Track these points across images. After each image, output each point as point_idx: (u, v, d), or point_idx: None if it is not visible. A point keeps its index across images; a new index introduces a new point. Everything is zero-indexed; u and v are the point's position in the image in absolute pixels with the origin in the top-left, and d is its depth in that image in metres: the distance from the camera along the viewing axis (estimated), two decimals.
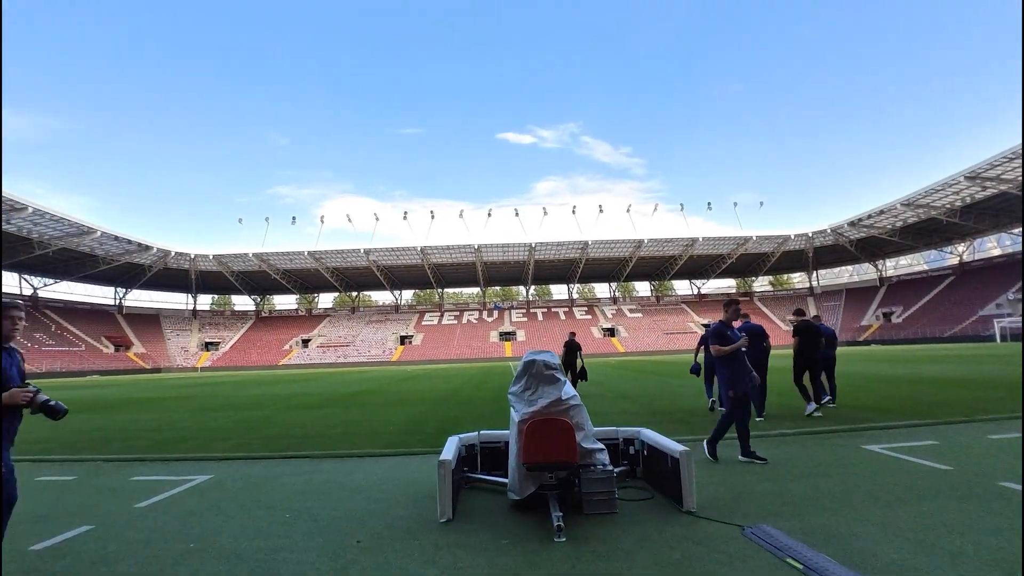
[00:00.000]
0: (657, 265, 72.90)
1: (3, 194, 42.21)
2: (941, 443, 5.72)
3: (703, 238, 64.53)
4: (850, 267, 76.60)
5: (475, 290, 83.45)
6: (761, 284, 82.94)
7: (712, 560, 2.93)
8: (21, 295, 58.61)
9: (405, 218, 69.39)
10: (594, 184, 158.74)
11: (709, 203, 66.35)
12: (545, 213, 66.34)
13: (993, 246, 61.23)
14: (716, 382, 9.29)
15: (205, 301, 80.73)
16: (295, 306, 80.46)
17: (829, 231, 63.78)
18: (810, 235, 65.36)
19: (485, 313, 74.77)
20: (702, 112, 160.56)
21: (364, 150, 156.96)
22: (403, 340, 66.55)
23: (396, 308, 77.75)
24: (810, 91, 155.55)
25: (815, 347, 8.33)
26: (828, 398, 8.74)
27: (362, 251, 63.48)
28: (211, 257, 64.04)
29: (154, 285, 70.39)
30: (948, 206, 51.58)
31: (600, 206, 65.49)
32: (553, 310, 75.20)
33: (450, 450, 4.12)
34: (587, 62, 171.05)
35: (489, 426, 6.74)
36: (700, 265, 73.12)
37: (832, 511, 3.66)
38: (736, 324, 6.12)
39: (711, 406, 9.28)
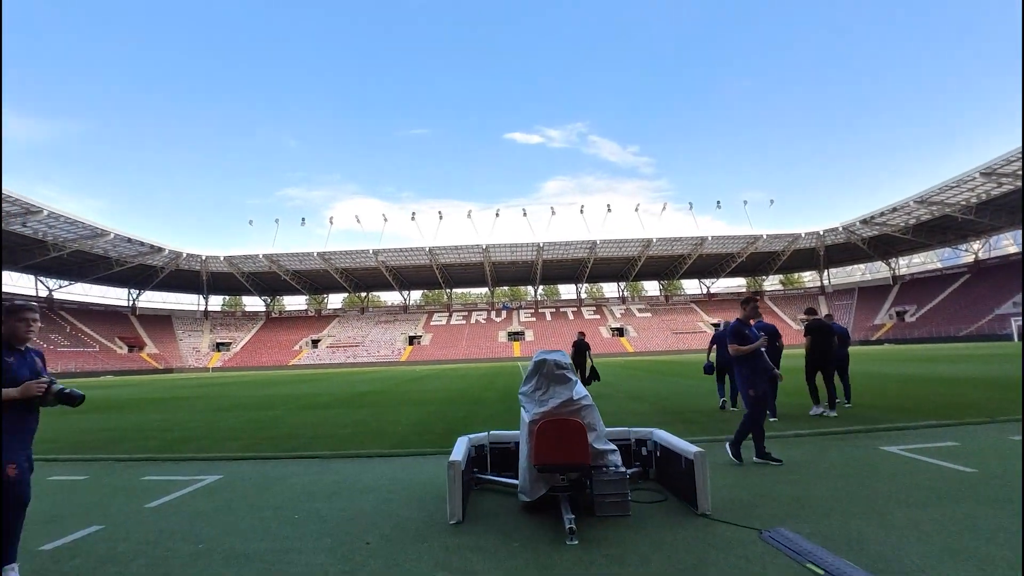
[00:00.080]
0: (666, 264, 72.48)
1: (19, 198, 42.91)
2: (962, 444, 5.58)
3: (712, 237, 64.06)
4: (862, 265, 75.64)
5: (483, 290, 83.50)
6: (771, 283, 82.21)
7: (729, 564, 2.85)
8: (37, 297, 59.53)
9: (413, 219, 69.87)
10: (602, 183, 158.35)
11: (718, 201, 66.48)
12: (553, 213, 66.31)
13: (1010, 243, 60.12)
14: (727, 382, 9.25)
15: (216, 302, 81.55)
16: (305, 307, 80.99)
17: (841, 229, 63.06)
18: (821, 233, 64.66)
19: (493, 313, 74.78)
20: (711, 109, 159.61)
21: (372, 152, 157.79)
22: (412, 340, 66.73)
23: (405, 308, 77.99)
24: (821, 87, 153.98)
25: (828, 346, 8.19)
26: (841, 401, 8.60)
27: (371, 252, 63.74)
28: (222, 258, 64.65)
29: (166, 286, 71.21)
30: (963, 203, 50.74)
31: (608, 205, 65.51)
32: (561, 310, 75.04)
33: (460, 451, 4.06)
34: (594, 61, 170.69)
35: (498, 426, 6.68)
36: (709, 264, 72.58)
37: (853, 514, 3.55)
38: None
39: (721, 405, 9.17)
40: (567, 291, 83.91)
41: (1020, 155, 41.14)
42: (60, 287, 62.39)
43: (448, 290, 79.78)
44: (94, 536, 3.67)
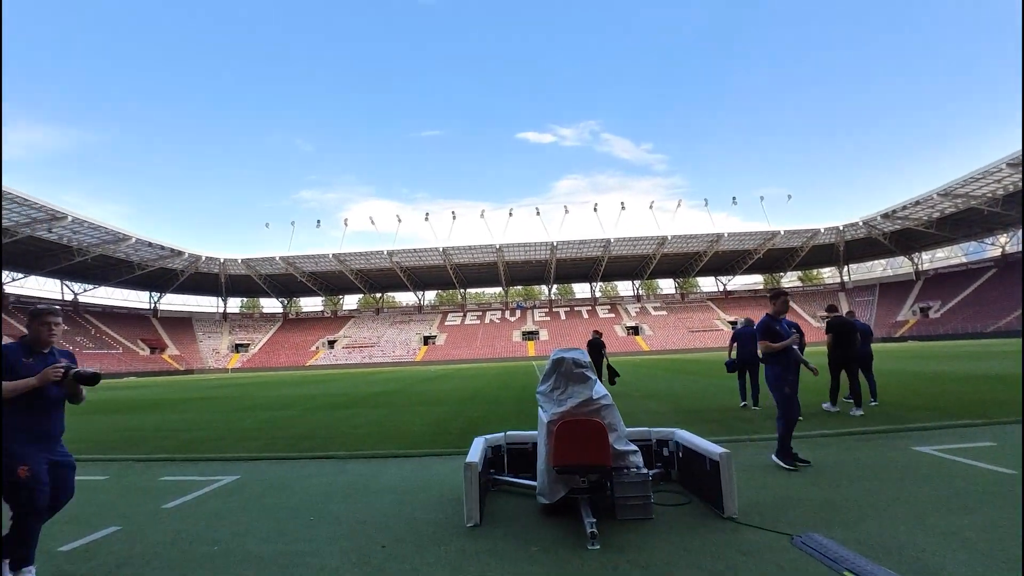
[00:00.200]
0: (681, 262, 71.68)
1: (44, 204, 44.01)
2: (999, 445, 5.33)
3: (728, 234, 63.16)
4: (883, 261, 73.91)
5: (497, 290, 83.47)
6: (790, 280, 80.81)
7: (760, 571, 2.71)
8: (63, 300, 61.05)
9: (427, 219, 70.04)
10: (615, 181, 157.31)
11: (734, 198, 64.84)
12: (566, 212, 65.95)
13: None
14: (748, 380, 9.04)
15: (235, 304, 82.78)
16: (321, 308, 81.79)
17: (861, 224, 61.69)
18: (841, 228, 63.33)
19: (507, 313, 74.70)
20: (726, 105, 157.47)
21: (386, 154, 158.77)
22: (426, 340, 66.96)
23: (419, 309, 78.31)
24: (838, 80, 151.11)
25: (851, 344, 7.94)
26: (867, 400, 8.35)
27: (385, 253, 64.10)
28: (240, 261, 65.59)
29: (186, 289, 72.45)
30: (989, 195, 49.24)
31: (622, 203, 64.80)
32: (576, 309, 74.66)
33: (476, 452, 3.97)
34: (606, 58, 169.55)
35: (514, 426, 6.59)
36: (726, 261, 71.57)
37: (888, 519, 3.39)
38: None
39: (744, 404, 8.96)
40: (581, 290, 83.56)
41: None
42: (85, 291, 63.91)
43: (462, 290, 79.90)
44: (112, 537, 3.66)
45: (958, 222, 56.40)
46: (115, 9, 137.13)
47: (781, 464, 4.81)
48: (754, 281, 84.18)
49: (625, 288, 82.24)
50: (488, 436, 4.63)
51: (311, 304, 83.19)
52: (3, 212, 43.61)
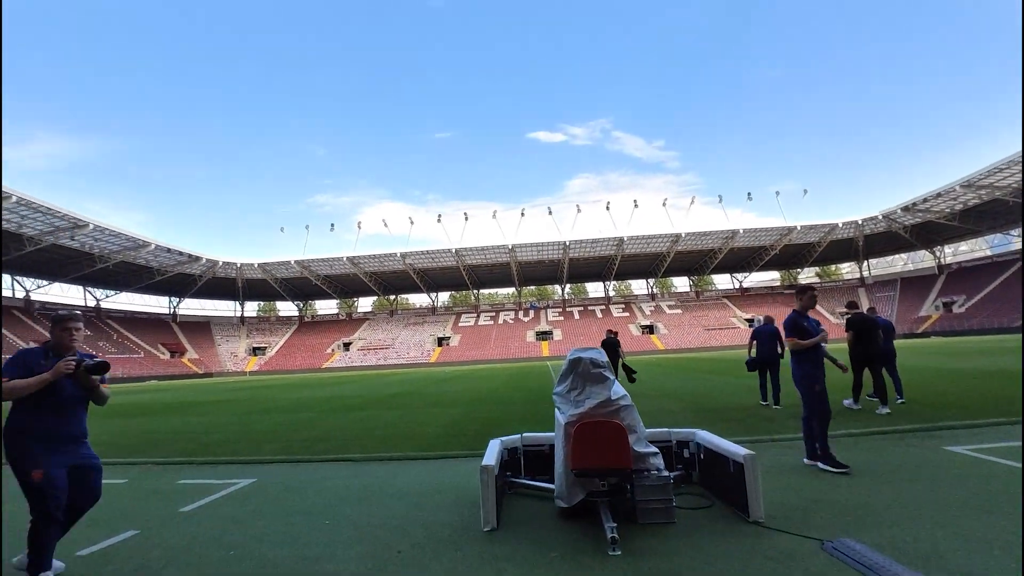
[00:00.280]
0: (696, 259, 70.91)
1: (67, 213, 45.04)
2: None
3: (744, 230, 62.31)
4: (904, 255, 72.37)
5: (510, 290, 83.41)
6: (807, 276, 79.43)
7: None
8: (86, 306, 62.44)
9: (439, 221, 70.28)
10: (627, 179, 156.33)
11: (749, 193, 63.88)
12: (579, 211, 65.74)
13: None
14: (769, 378, 8.84)
15: (252, 308, 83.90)
16: (336, 310, 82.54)
17: (880, 217, 60.41)
18: (859, 223, 62.09)
19: (521, 313, 74.61)
20: (738, 100, 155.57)
21: (398, 157, 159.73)
22: (440, 342, 67.16)
23: (433, 310, 78.58)
24: (853, 71, 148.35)
25: (873, 341, 7.71)
26: (894, 398, 8.12)
27: (398, 255, 64.45)
28: (256, 265, 66.47)
29: (204, 294, 73.64)
30: (1014, 185, 47.85)
31: (635, 201, 64.45)
32: (589, 308, 74.29)
33: (492, 454, 3.90)
34: (615, 56, 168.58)
35: (530, 427, 6.51)
36: (741, 258, 70.64)
37: (924, 523, 3.23)
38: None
39: (765, 404, 8.77)
40: (595, 289, 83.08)
41: None
42: (107, 296, 65.31)
43: (475, 291, 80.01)
44: (129, 542, 3.66)
45: (982, 214, 54.93)
46: (130, 20, 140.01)
47: (827, 468, 4.52)
48: (771, 278, 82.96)
49: (639, 287, 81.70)
50: (504, 438, 4.55)
51: (326, 307, 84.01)
52: (28, 222, 44.77)
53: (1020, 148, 38.42)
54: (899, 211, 57.85)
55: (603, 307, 73.97)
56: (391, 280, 73.61)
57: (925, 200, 54.25)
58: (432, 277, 72.90)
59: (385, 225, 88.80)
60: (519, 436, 4.66)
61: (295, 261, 65.11)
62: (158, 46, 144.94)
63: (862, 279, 71.77)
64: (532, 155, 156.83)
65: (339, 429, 9.01)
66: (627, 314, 70.65)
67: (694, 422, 7.29)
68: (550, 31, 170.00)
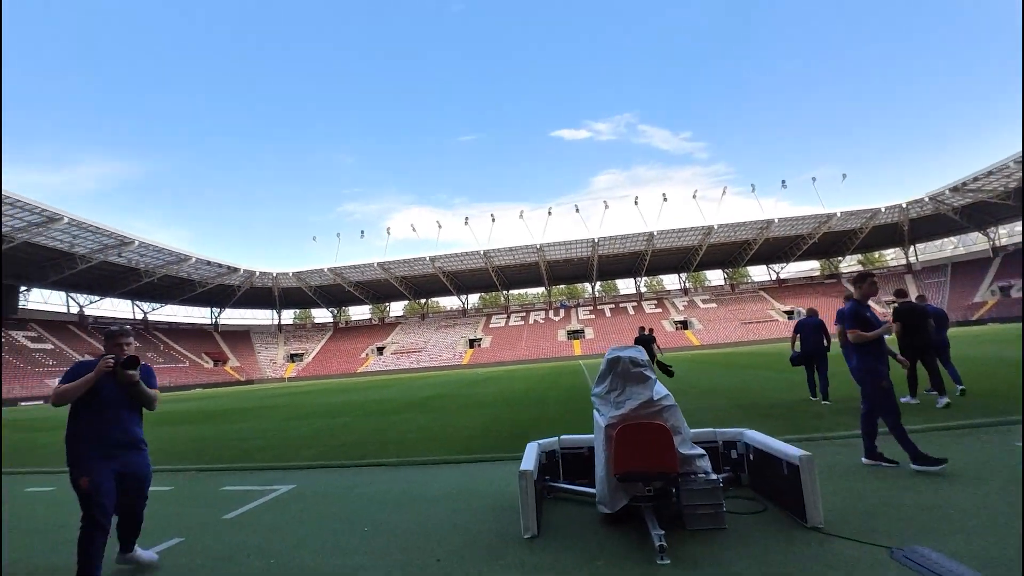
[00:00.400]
0: (729, 251, 69.05)
1: (114, 231, 47.33)
2: None
3: (779, 219, 60.22)
4: (955, 238, 68.53)
5: (540, 290, 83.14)
6: (849, 264, 76.22)
7: None
8: (134, 319, 65.49)
9: (467, 224, 70.38)
10: (655, 173, 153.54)
11: (783, 181, 62.10)
12: (606, 207, 65.04)
13: None
14: (817, 373, 8.43)
15: (288, 316, 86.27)
16: (369, 316, 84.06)
17: (927, 200, 57.40)
18: (904, 206, 59.17)
19: (551, 312, 74.25)
20: (766, 85, 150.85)
21: (424, 162, 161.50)
22: (472, 343, 67.50)
23: (463, 312, 79.07)
24: (888, 47, 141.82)
25: (923, 331, 7.23)
26: (960, 388, 7.61)
27: (427, 259, 65.11)
28: (291, 274, 68.36)
29: (243, 303, 76.18)
30: None
31: (664, 195, 63.10)
32: (621, 305, 73.31)
33: (530, 459, 3.78)
34: (636, 48, 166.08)
35: (565, 428, 6.37)
36: (777, 248, 68.37)
37: (1005, 529, 2.95)
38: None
39: (816, 400, 8.36)
40: (626, 286, 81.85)
41: None
42: (153, 309, 68.31)
43: (505, 292, 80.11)
44: (174, 550, 3.70)
45: None
46: (160, 44, 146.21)
47: (928, 468, 4.13)
48: (810, 268, 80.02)
49: (671, 282, 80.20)
50: (541, 441, 4.43)
51: (359, 312, 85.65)
52: (80, 241, 47.25)
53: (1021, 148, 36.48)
54: (947, 192, 54.84)
55: (635, 304, 72.91)
56: (421, 284, 74.44)
57: (975, 179, 51.27)
58: (461, 279, 73.36)
59: (413, 230, 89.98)
60: (556, 439, 4.54)
61: (328, 268, 66.61)
62: (190, 66, 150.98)
63: (908, 265, 68.40)
64: (557, 153, 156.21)
65: (375, 433, 9.07)
66: (660, 310, 69.41)
67: (738, 420, 7.01)
68: (569, 26, 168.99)
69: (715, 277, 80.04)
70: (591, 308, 73.43)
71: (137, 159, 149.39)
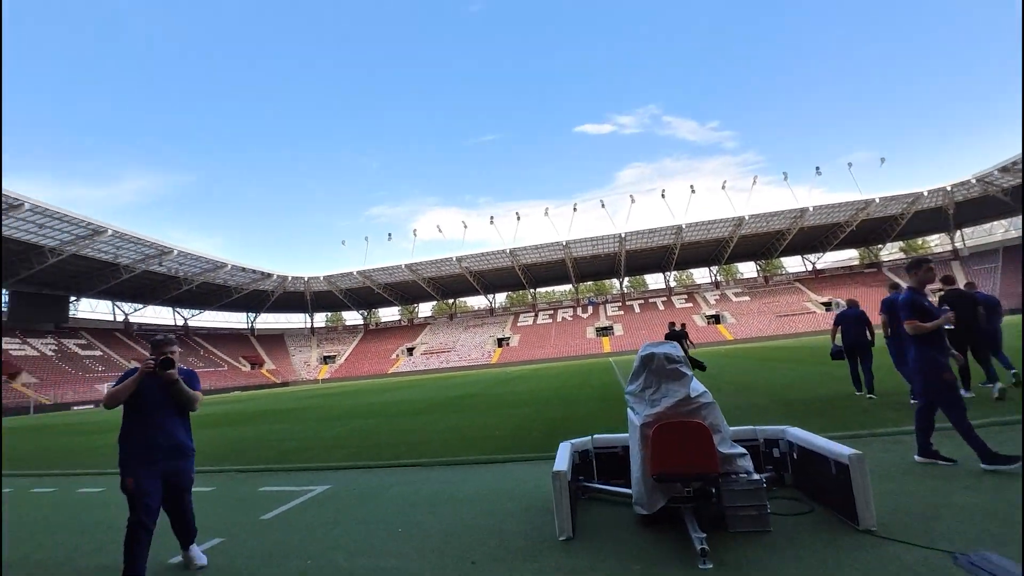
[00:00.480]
0: (762, 242, 67.19)
1: (154, 242, 49.31)
2: None
3: (814, 207, 58.27)
4: (1005, 221, 64.82)
5: (567, 287, 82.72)
6: (890, 251, 73.12)
7: None
8: (175, 326, 68.18)
9: (492, 223, 70.59)
10: (681, 164, 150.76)
11: (817, 168, 59.85)
12: (632, 201, 64.04)
13: None
14: (861, 366, 8.07)
15: (320, 319, 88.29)
16: (398, 317, 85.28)
17: (974, 181, 54.54)
18: (949, 189, 56.39)
19: (579, 309, 73.76)
20: (794, 68, 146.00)
21: (448, 163, 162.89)
22: (500, 342, 67.68)
23: (491, 311, 79.34)
24: (922, 24, 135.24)
25: (973, 320, 6.83)
26: (1007, 379, 7.16)
27: (454, 259, 65.58)
28: (322, 278, 69.97)
29: (277, 308, 78.43)
30: None
31: (692, 187, 61.80)
32: (650, 300, 72.24)
33: (563, 459, 3.71)
34: (658, 37, 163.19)
35: (597, 426, 6.26)
36: (813, 237, 66.18)
37: None
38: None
39: (861, 395, 8.01)
40: (654, 281, 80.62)
41: None
42: (193, 316, 71.02)
43: (532, 290, 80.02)
44: (215, 550, 3.78)
45: None
46: (187, 60, 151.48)
47: (1000, 468, 3.83)
48: (848, 257, 77.11)
49: (701, 275, 78.60)
50: (574, 441, 4.35)
51: (389, 314, 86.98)
52: (124, 252, 49.42)
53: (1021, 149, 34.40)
54: (996, 172, 51.96)
55: (664, 299, 71.74)
56: (448, 284, 75.05)
57: None
58: (488, 279, 73.62)
59: (439, 231, 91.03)
60: (589, 438, 4.45)
61: (357, 271, 67.85)
62: (218, 79, 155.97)
63: (955, 251, 65.13)
64: (581, 149, 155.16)
65: (407, 433, 9.14)
66: (690, 304, 68.09)
67: (779, 418, 6.77)
68: (588, 20, 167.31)
69: (747, 269, 78.09)
70: (619, 304, 72.62)
71: (173, 172, 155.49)
